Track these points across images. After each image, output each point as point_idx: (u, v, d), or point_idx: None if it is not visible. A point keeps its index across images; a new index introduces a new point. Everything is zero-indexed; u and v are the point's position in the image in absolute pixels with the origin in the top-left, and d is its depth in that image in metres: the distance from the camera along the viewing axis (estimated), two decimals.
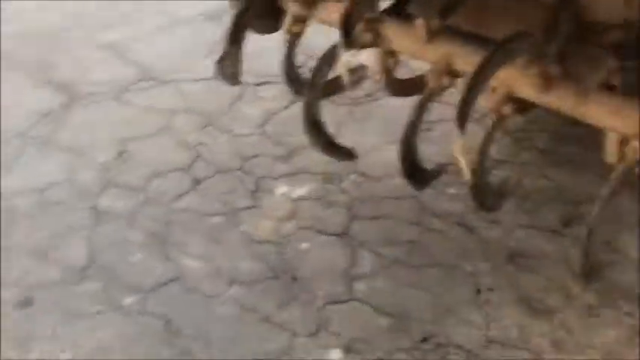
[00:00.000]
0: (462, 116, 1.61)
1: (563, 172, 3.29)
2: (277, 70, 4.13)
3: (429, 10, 1.95)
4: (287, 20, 2.33)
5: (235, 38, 2.29)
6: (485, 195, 1.97)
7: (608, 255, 2.73)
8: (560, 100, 1.73)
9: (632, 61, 1.85)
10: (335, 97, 3.93)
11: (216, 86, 4.10)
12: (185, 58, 4.53)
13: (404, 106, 3.69)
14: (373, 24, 2.04)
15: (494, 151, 3.42)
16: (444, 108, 3.49)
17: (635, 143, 1.54)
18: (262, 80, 4.16)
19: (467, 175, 1.66)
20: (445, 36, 1.97)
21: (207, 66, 4.19)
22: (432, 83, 1.94)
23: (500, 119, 1.84)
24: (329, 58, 2.10)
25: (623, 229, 2.81)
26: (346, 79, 1.97)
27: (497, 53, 1.66)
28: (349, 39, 1.92)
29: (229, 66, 2.30)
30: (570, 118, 2.52)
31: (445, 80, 1.94)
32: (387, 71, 2.16)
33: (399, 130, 3.62)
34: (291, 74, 2.43)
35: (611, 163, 1.74)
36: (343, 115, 3.89)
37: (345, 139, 3.61)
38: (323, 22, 2.32)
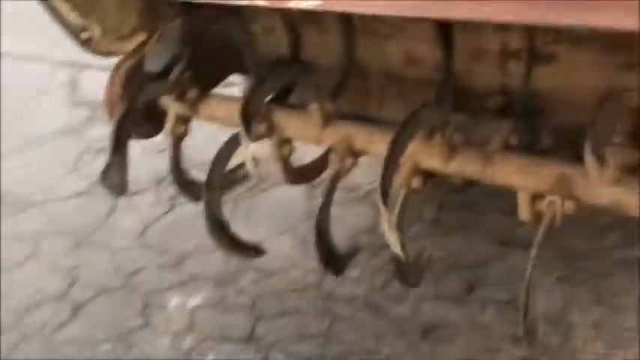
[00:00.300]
0: (384, 193, 1.57)
1: (456, 239, 3.35)
2: (148, 176, 4.04)
3: (322, 94, 1.94)
4: (169, 121, 2.23)
5: (119, 145, 2.14)
6: (411, 271, 1.92)
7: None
8: (467, 166, 1.75)
9: (521, 122, 1.93)
10: None
11: (85, 202, 3.87)
12: (47, 178, 4.24)
13: (287, 196, 3.73)
14: (267, 114, 2.00)
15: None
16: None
17: (551, 198, 1.56)
18: (135, 189, 3.96)
19: (398, 250, 1.60)
20: (339, 118, 1.96)
21: (72, 182, 3.95)
22: (336, 165, 1.91)
23: (410, 193, 1.83)
24: (225, 153, 2.02)
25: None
26: (252, 170, 1.91)
27: (407, 127, 1.66)
28: (249, 131, 1.87)
29: (115, 176, 2.14)
30: (453, 185, 2.60)
31: (348, 161, 1.92)
32: (284, 160, 2.11)
33: (287, 221, 3.60)
34: (181, 178, 2.31)
35: (526, 220, 1.78)
36: (228, 210, 3.77)
37: None
38: (208, 119, 2.25)
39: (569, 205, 1.58)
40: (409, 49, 2.36)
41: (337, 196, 3.72)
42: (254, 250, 2.20)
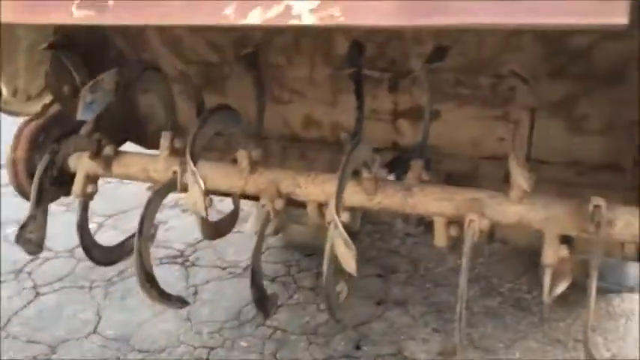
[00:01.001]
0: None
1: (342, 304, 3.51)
2: (7, 265, 3.78)
3: (249, 141, 2.06)
4: (79, 182, 2.20)
5: (40, 200, 2.08)
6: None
7: None
8: (389, 199, 1.95)
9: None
10: (86, 282, 3.70)
11: None
12: None
13: (160, 275, 3.68)
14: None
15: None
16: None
17: (471, 217, 1.79)
18: None
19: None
20: (263, 164, 2.09)
21: None
22: (267, 208, 2.00)
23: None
24: (154, 204, 2.03)
25: None
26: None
27: (346, 168, 1.83)
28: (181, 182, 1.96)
29: (33, 232, 2.05)
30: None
31: (278, 203, 2.03)
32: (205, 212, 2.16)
33: None
34: (88, 241, 2.25)
35: (441, 246, 1.99)
36: (100, 298, 3.65)
37: (111, 322, 3.39)
38: (122, 176, 2.25)
39: (485, 224, 1.83)
40: (308, 112, 2.58)
41: (216, 273, 3.81)
42: (179, 301, 2.19)
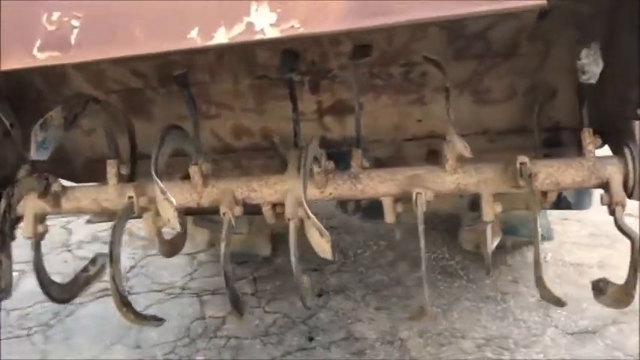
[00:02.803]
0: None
1: (281, 302, 3.66)
2: None
3: (200, 155, 2.16)
4: (29, 222, 2.21)
5: (3, 245, 2.07)
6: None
7: None
8: (340, 188, 2.12)
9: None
10: (23, 331, 3.63)
11: None
12: None
13: (99, 311, 3.67)
14: (142, 187, 2.14)
15: (212, 307, 3.66)
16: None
17: (418, 190, 1.99)
18: None
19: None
20: (213, 175, 2.20)
21: None
22: (227, 216, 2.11)
23: (300, 223, 2.11)
24: (120, 227, 2.08)
25: None
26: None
27: (306, 164, 1.98)
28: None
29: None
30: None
31: (237, 209, 2.14)
32: (159, 233, 2.24)
33: (112, 332, 3.53)
34: (45, 280, 2.26)
35: (390, 222, 2.19)
36: (41, 343, 3.59)
37: None
38: (73, 211, 2.28)
39: (430, 195, 2.04)
40: (237, 123, 2.71)
41: (154, 297, 3.84)
42: (155, 319, 2.26)
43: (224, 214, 2.13)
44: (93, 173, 2.78)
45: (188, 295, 3.84)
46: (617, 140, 2.07)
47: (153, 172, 1.91)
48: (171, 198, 1.85)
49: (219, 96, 2.66)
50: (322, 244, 1.83)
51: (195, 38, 1.47)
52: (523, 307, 3.42)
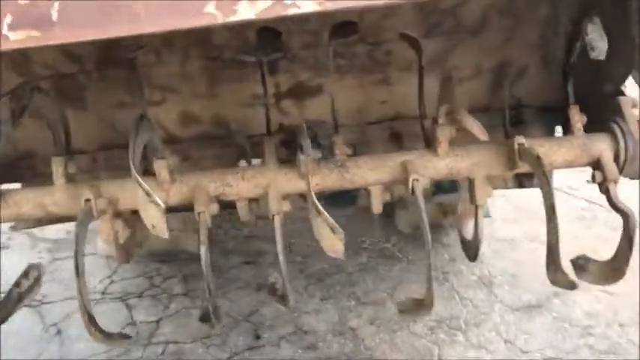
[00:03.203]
0: None
1: (221, 300, 3.43)
2: None
3: (164, 149, 1.90)
4: None
5: None
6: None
7: None
8: (326, 179, 1.94)
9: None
10: None
11: None
12: None
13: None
14: (96, 187, 1.86)
15: (141, 311, 3.37)
16: None
17: (414, 176, 1.86)
18: None
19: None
20: (180, 171, 1.95)
21: None
22: (204, 217, 1.87)
23: (285, 217, 1.95)
24: (81, 242, 1.79)
25: None
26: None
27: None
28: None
29: None
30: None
31: (213, 207, 1.91)
32: (116, 237, 1.97)
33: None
34: None
35: (378, 212, 2.05)
36: None
37: None
38: (14, 219, 1.94)
39: (426, 182, 1.92)
40: (184, 109, 2.46)
41: (73, 305, 3.45)
42: (122, 337, 1.99)
43: (199, 213, 1.90)
44: (13, 174, 2.43)
45: (111, 300, 3.52)
46: (602, 117, 2.04)
47: (132, 169, 1.64)
48: (157, 200, 1.60)
49: (164, 79, 2.40)
50: (334, 242, 1.66)
51: (214, 13, 1.24)
52: (466, 286, 3.42)
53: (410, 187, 1.89)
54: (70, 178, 1.97)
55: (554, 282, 1.87)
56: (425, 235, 1.81)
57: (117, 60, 2.08)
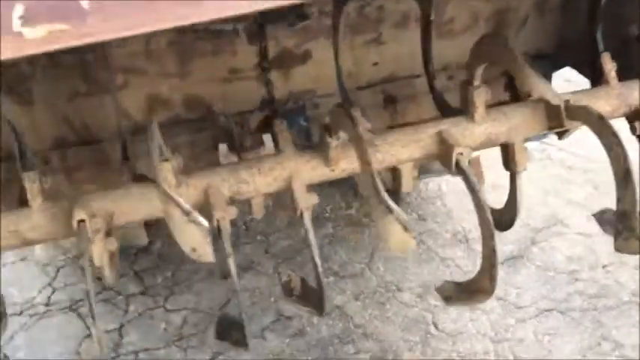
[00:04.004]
0: None
1: (180, 297, 3.11)
2: None
3: (168, 150, 1.55)
4: None
5: None
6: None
7: None
8: (353, 163, 1.68)
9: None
10: None
11: None
12: None
13: None
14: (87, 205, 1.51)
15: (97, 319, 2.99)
16: None
17: (459, 150, 1.62)
18: None
19: None
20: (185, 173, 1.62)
21: None
22: (224, 222, 1.56)
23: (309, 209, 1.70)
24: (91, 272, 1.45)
25: None
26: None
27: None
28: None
29: None
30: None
31: (231, 211, 1.60)
32: (112, 258, 1.63)
33: None
34: None
35: (408, 191, 1.82)
36: None
37: None
38: None
39: (467, 152, 1.70)
40: (151, 92, 2.10)
41: (17, 321, 3.05)
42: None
43: (219, 220, 1.59)
44: None
45: (59, 311, 3.11)
46: (629, 63, 1.90)
47: (161, 183, 1.31)
48: (200, 219, 1.29)
49: (126, 60, 2.02)
50: (406, 241, 1.42)
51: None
52: (444, 245, 3.30)
53: (453, 161, 1.66)
54: (46, 196, 1.59)
55: (621, 249, 1.72)
56: (481, 216, 1.61)
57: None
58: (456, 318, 2.89)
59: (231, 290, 1.46)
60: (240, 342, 1.74)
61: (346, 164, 1.71)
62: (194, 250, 1.34)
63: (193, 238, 1.31)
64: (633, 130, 1.84)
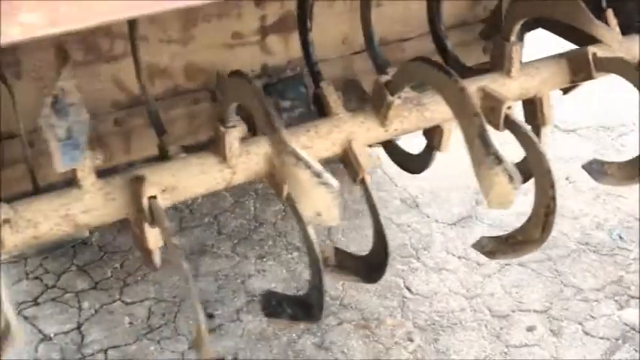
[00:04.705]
0: None
1: (138, 287, 2.91)
2: None
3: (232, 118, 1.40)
4: None
5: None
6: None
7: None
8: (405, 122, 1.64)
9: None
10: None
11: None
12: None
13: None
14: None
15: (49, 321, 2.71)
16: None
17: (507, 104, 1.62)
18: None
19: None
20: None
21: None
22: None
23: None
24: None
25: None
26: None
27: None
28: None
29: None
30: None
31: None
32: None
33: None
34: None
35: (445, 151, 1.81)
36: None
37: None
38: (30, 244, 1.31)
39: (509, 104, 1.71)
40: (150, 61, 1.92)
41: None
42: None
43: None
44: None
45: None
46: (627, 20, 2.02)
47: (284, 139, 1.20)
48: (332, 180, 1.19)
49: (125, 26, 1.82)
50: (508, 192, 1.40)
51: None
52: (396, 212, 3.34)
53: (502, 116, 1.68)
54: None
55: None
56: (540, 165, 1.64)
57: None
58: (426, 279, 2.95)
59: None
60: (299, 316, 1.66)
61: (398, 124, 1.67)
62: (318, 214, 1.23)
63: (321, 201, 1.21)
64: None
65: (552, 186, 1.62)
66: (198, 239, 3.16)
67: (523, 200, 3.26)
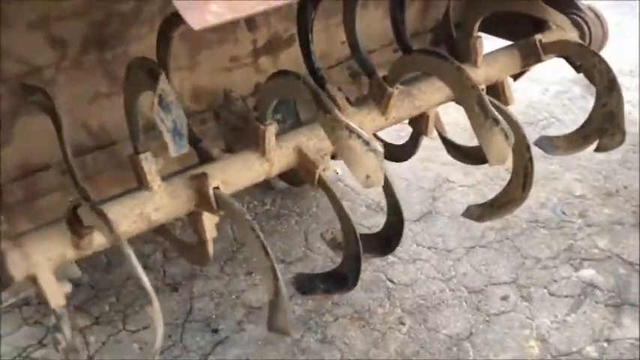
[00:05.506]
0: None
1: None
2: None
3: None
4: None
5: None
6: None
7: None
8: (401, 111, 1.91)
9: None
10: None
11: None
12: None
13: None
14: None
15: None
16: None
17: (483, 88, 1.94)
18: None
19: None
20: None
21: None
22: (321, 167, 1.69)
23: None
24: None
25: None
26: None
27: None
28: None
29: None
30: None
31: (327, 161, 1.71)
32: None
33: None
34: None
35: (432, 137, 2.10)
36: None
37: None
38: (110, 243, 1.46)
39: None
40: None
41: None
42: None
43: (320, 173, 1.76)
44: None
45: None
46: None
47: (339, 117, 1.46)
48: (378, 146, 1.46)
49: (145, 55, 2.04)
50: (504, 150, 1.70)
51: None
52: (364, 217, 3.62)
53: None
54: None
55: (606, 146, 2.16)
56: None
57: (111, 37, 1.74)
58: (405, 270, 3.23)
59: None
60: (331, 288, 1.88)
61: (395, 112, 1.96)
62: (368, 177, 1.49)
63: (370, 166, 1.47)
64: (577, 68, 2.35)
65: (528, 149, 1.94)
66: (185, 266, 3.31)
67: (467, 193, 3.67)
